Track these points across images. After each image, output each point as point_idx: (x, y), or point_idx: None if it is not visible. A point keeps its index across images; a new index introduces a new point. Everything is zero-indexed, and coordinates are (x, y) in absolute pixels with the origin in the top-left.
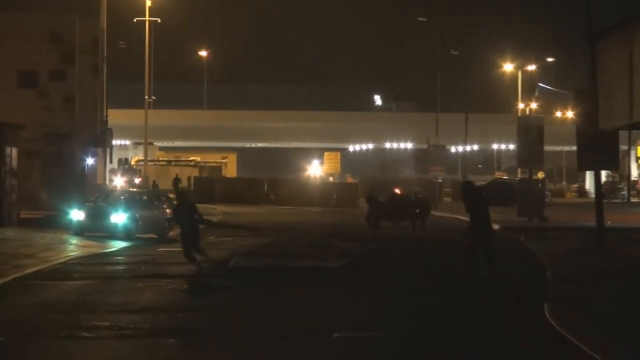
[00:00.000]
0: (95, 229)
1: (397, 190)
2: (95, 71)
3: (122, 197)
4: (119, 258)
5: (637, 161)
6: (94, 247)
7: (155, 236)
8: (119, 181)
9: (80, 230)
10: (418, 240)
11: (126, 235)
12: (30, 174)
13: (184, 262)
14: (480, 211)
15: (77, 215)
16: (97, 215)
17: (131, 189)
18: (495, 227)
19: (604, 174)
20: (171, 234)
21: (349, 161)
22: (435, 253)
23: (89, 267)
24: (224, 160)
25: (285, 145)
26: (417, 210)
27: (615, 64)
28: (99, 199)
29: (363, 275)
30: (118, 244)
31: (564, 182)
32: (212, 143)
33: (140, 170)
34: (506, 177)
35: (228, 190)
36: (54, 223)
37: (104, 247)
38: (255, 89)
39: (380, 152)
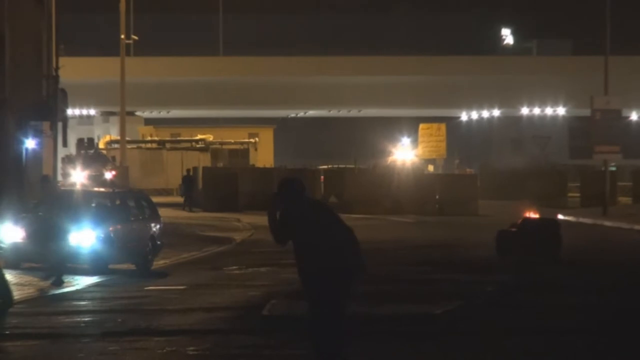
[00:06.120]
0: (41, 256)
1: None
2: None
3: (87, 203)
4: (82, 303)
5: None
6: (39, 286)
7: (132, 266)
8: (78, 176)
9: (17, 259)
10: (578, 270)
11: (95, 265)
12: None
13: (187, 308)
14: (309, 234)
15: (10, 233)
16: (43, 234)
17: (101, 189)
18: None
19: None
20: (157, 263)
21: (460, 138)
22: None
23: (32, 318)
24: (252, 140)
25: (353, 113)
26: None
27: None
28: (46, 206)
29: (487, 328)
30: (80, 280)
31: None
32: (232, 112)
33: (114, 158)
34: None
35: (260, 188)
36: None
37: (57, 286)
38: (302, 22)
39: (512, 123)
